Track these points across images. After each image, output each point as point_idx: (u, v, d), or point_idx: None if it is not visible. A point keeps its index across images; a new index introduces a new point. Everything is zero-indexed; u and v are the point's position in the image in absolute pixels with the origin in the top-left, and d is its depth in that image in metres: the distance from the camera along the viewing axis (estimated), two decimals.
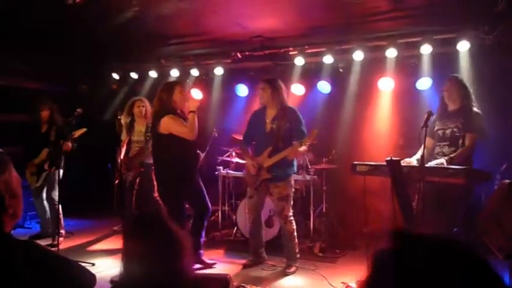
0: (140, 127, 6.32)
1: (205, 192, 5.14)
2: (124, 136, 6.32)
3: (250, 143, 5.25)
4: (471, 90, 4.63)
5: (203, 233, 5.16)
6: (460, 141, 4.44)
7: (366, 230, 6.54)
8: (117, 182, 6.41)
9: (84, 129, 5.82)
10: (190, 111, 4.81)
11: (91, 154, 7.47)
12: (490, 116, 5.28)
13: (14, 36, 6.32)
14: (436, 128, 4.60)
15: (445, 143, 4.53)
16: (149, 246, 1.82)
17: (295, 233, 5.02)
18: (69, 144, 5.79)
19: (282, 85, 5.06)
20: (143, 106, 6.35)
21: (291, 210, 5.02)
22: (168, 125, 4.79)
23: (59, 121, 6.18)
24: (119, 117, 6.02)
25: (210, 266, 5.08)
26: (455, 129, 4.47)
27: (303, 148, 4.78)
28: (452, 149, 4.46)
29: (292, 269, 4.95)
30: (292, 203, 5.06)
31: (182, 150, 4.84)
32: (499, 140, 5.53)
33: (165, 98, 4.92)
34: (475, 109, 4.51)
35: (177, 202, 4.91)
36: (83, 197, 7.93)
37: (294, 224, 5.01)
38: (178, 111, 4.96)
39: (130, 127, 6.32)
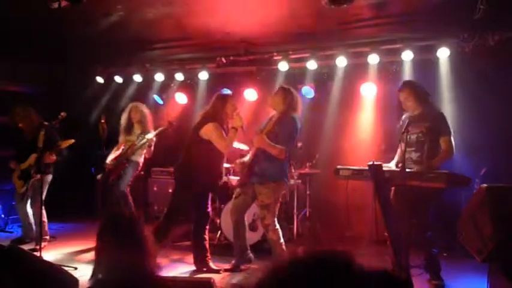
0: (138, 130, 6.31)
1: (209, 200, 5.22)
2: (122, 139, 6.30)
3: None
4: (425, 91, 4.66)
5: (207, 237, 5.18)
6: (425, 146, 4.48)
7: (349, 234, 6.62)
8: (100, 179, 6.29)
9: (72, 141, 5.74)
10: (233, 127, 4.92)
11: (74, 158, 7.42)
12: (469, 122, 5.41)
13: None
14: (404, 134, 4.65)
15: (411, 149, 4.52)
16: (116, 247, 1.85)
17: (282, 240, 4.83)
18: (53, 157, 5.73)
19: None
20: (139, 112, 6.36)
21: (274, 219, 4.84)
22: (210, 131, 4.89)
23: (46, 126, 6.10)
24: (102, 121, 5.95)
25: (216, 271, 5.00)
26: (420, 135, 4.50)
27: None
28: (418, 154, 4.49)
29: None
30: (274, 211, 4.85)
31: (213, 160, 4.98)
32: (479, 144, 5.65)
33: (219, 107, 5.03)
34: (436, 110, 4.58)
35: (186, 203, 5.07)
36: (66, 201, 7.89)
37: (278, 232, 4.82)
38: (225, 125, 5.05)
39: (128, 130, 6.31)
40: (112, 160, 6.17)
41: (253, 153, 4.99)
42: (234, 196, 5.18)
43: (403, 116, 4.70)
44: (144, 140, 6.07)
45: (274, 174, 4.84)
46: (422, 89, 4.65)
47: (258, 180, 4.84)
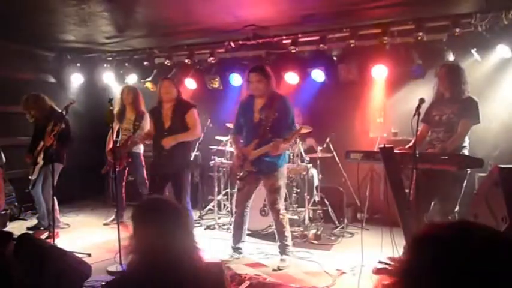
0: (130, 115, 6.34)
1: None
2: (115, 123, 6.27)
3: (241, 132, 5.02)
4: (465, 76, 4.62)
5: None
6: (455, 128, 4.48)
7: (360, 217, 6.61)
8: (104, 171, 6.38)
9: (63, 126, 5.70)
10: None
11: (87, 145, 7.48)
12: (481, 102, 5.31)
13: (5, 27, 6.29)
14: (433, 113, 4.63)
15: (441, 129, 4.57)
16: (162, 227, 1.87)
17: (288, 227, 4.90)
18: (51, 139, 5.73)
19: (270, 71, 4.84)
20: (129, 93, 6.39)
21: (283, 203, 4.90)
22: None
23: (55, 117, 6.11)
24: (110, 108, 5.93)
25: None
26: (451, 115, 4.51)
27: (285, 145, 4.62)
28: (448, 134, 4.50)
29: (286, 263, 4.83)
30: (283, 195, 4.91)
31: None
32: (492, 126, 5.59)
33: None
34: (469, 95, 4.53)
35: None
36: (80, 188, 7.98)
37: (286, 218, 4.90)
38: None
39: (121, 115, 6.34)
40: (110, 150, 6.18)
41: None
42: (237, 188, 5.07)
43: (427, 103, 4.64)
44: (142, 134, 6.06)
45: (282, 159, 4.88)
46: (459, 73, 4.58)
47: (269, 166, 4.77)
